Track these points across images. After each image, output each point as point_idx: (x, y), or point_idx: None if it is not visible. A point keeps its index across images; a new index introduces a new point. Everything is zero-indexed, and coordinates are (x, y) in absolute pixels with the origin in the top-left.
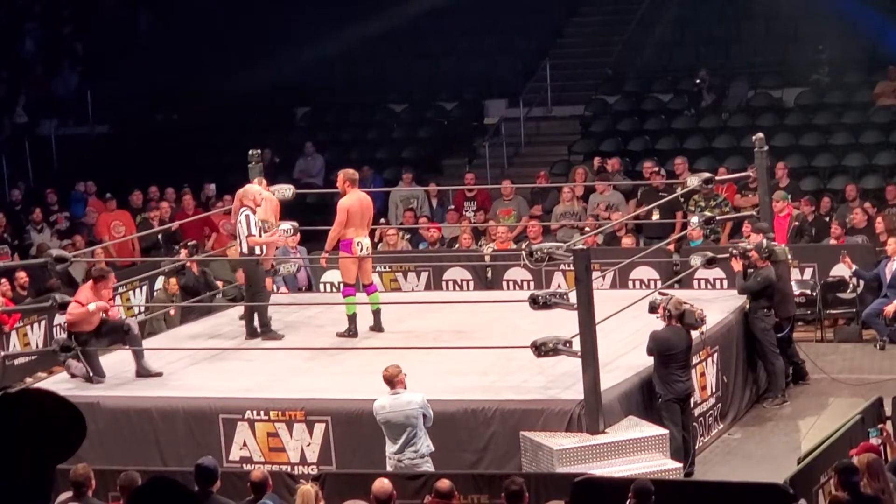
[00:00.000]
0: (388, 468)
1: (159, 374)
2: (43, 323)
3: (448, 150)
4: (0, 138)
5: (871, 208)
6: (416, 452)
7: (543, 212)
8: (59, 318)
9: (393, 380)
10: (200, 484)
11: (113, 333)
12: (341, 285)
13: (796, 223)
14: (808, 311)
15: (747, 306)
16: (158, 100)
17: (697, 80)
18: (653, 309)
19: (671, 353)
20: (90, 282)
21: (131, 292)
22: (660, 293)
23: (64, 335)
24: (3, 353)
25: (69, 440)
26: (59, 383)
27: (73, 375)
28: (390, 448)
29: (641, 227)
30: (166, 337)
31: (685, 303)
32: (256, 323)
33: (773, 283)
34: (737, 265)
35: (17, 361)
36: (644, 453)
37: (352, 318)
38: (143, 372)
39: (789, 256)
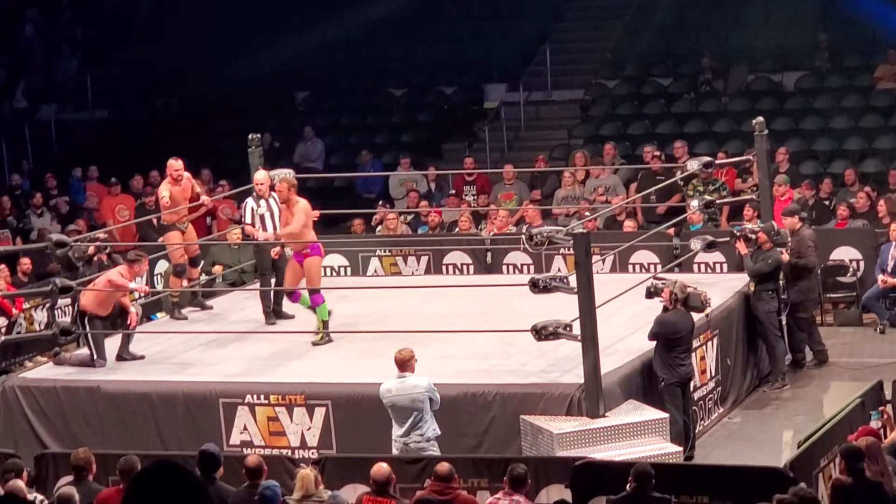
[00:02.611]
0: (395, 451)
1: (141, 358)
2: (47, 307)
3: (448, 134)
4: (0, 123)
5: (871, 192)
6: (422, 436)
7: (543, 196)
8: (62, 302)
9: (405, 363)
10: (204, 470)
11: (114, 317)
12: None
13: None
14: None
15: (751, 289)
16: (158, 85)
17: (706, 75)
18: (650, 295)
19: (678, 336)
20: (124, 265)
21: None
22: (654, 279)
23: (66, 319)
24: (3, 337)
25: None
26: (61, 369)
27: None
28: (396, 431)
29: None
30: (171, 319)
31: (689, 286)
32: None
33: (780, 264)
34: (742, 247)
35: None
36: (644, 437)
37: (327, 324)
38: (125, 356)
39: (790, 240)
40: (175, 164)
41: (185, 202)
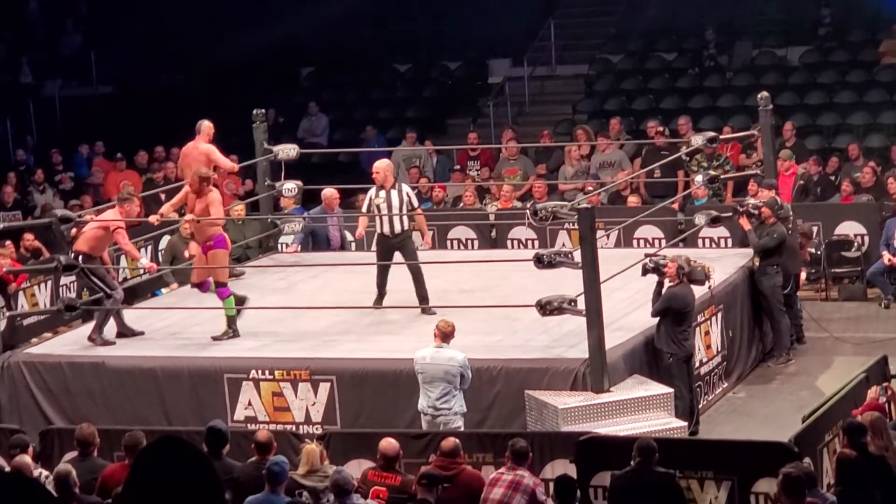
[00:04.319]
0: (423, 424)
1: (141, 333)
2: (50, 283)
3: (452, 109)
4: (5, 99)
5: (876, 167)
6: (450, 409)
7: (548, 171)
8: (66, 279)
9: (447, 335)
10: (211, 446)
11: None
12: (214, 286)
13: (801, 182)
14: (813, 270)
15: (756, 263)
16: (162, 60)
17: (710, 50)
18: (645, 272)
19: (687, 310)
20: (115, 206)
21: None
22: (647, 256)
23: (71, 294)
24: (8, 314)
25: None
26: (65, 345)
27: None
28: (424, 402)
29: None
30: (176, 295)
31: (692, 260)
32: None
33: (786, 239)
34: (745, 223)
35: (24, 322)
36: (649, 412)
37: (233, 319)
38: (125, 332)
39: (791, 214)
40: (212, 126)
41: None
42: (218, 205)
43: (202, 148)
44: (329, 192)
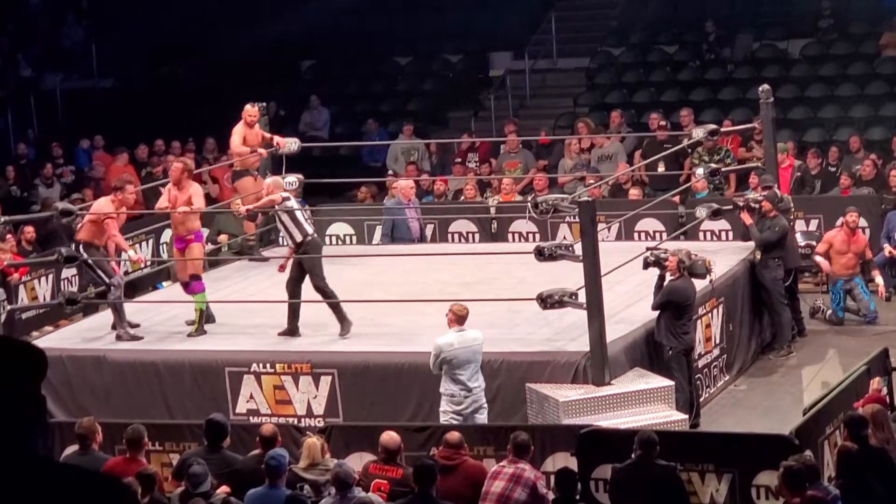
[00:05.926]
0: (454, 406)
1: (137, 326)
2: (51, 277)
3: (453, 102)
4: (5, 92)
5: (877, 160)
6: (479, 386)
7: (549, 167)
8: (67, 272)
9: (464, 318)
10: (211, 439)
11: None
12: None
13: (798, 174)
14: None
15: (757, 257)
16: (164, 53)
17: (709, 38)
18: (647, 265)
19: (687, 304)
20: (111, 195)
21: (137, 245)
22: (649, 249)
23: (72, 287)
24: (9, 307)
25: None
26: (66, 338)
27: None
28: (455, 387)
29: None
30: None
31: (693, 253)
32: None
33: (787, 232)
34: (746, 218)
35: (24, 315)
36: (650, 405)
37: (203, 315)
38: (123, 336)
39: (793, 206)
40: (251, 110)
41: (258, 146)
42: (200, 196)
43: (234, 129)
44: (404, 182)
